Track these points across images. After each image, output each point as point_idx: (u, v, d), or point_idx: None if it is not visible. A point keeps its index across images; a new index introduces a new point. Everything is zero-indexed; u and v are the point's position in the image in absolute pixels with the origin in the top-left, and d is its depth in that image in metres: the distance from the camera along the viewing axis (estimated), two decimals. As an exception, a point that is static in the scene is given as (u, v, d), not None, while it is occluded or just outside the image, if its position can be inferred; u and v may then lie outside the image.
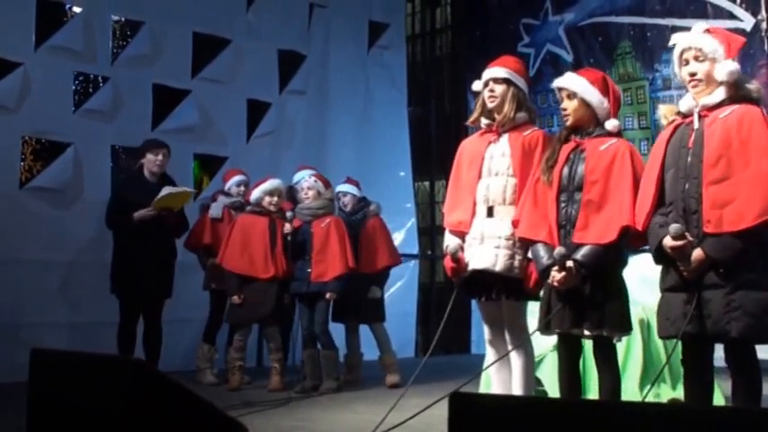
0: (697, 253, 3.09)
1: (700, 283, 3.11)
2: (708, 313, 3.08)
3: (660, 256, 3.23)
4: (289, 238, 5.95)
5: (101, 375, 2.68)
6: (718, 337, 3.10)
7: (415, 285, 9.16)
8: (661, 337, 3.41)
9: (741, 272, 3.05)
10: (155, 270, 5.67)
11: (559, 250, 3.41)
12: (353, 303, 6.21)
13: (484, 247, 3.82)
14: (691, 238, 3.11)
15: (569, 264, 3.40)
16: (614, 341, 3.53)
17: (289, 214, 5.99)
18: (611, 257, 3.44)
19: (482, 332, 4.18)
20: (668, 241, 3.12)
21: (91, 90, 9.34)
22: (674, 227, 3.10)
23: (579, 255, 3.41)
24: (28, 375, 2.91)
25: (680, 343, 3.22)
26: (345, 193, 6.47)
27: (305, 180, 6.17)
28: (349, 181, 6.58)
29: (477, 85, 4.03)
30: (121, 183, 5.87)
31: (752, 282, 3.05)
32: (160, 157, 5.79)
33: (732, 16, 7.32)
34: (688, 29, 3.36)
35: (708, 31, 3.26)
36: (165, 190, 5.65)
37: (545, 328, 3.58)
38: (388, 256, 6.43)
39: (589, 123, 3.61)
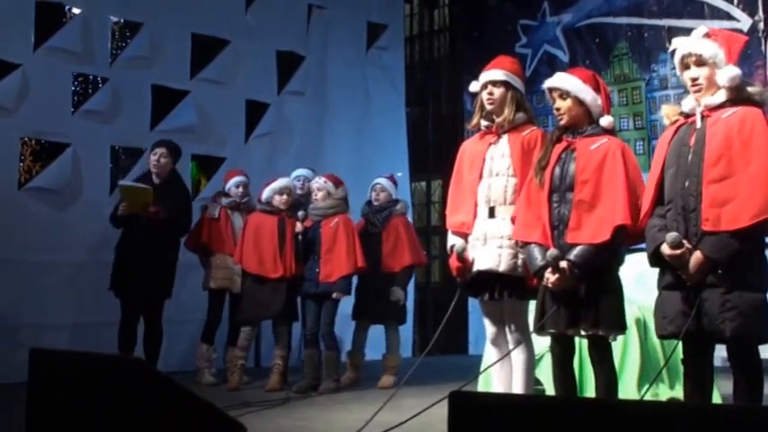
0: (696, 257, 3.10)
1: (698, 283, 3.12)
2: (704, 312, 3.09)
3: (656, 258, 3.24)
4: (299, 237, 5.96)
5: (100, 375, 2.69)
6: (713, 335, 3.12)
7: (412, 286, 9.15)
8: (660, 336, 3.38)
9: (737, 273, 3.07)
10: (153, 270, 5.67)
11: (552, 252, 3.41)
12: (373, 303, 6.19)
13: (487, 247, 3.84)
14: (689, 246, 3.12)
15: (563, 264, 3.40)
16: (610, 340, 3.53)
17: (300, 214, 5.97)
18: (605, 257, 3.43)
19: (480, 333, 4.19)
20: (666, 250, 3.14)
21: (90, 91, 9.31)
22: (671, 236, 3.11)
23: (572, 255, 3.41)
24: (27, 375, 2.91)
25: (680, 342, 3.23)
26: (383, 189, 6.39)
27: (314, 181, 6.21)
28: (390, 177, 6.55)
29: (474, 87, 4.05)
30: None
31: (747, 283, 3.07)
32: (154, 156, 5.80)
33: (729, 17, 7.32)
34: (685, 29, 3.39)
35: (708, 35, 3.27)
36: (121, 182, 5.65)
37: (540, 329, 3.59)
38: (410, 256, 6.27)
39: (583, 122, 3.61)
